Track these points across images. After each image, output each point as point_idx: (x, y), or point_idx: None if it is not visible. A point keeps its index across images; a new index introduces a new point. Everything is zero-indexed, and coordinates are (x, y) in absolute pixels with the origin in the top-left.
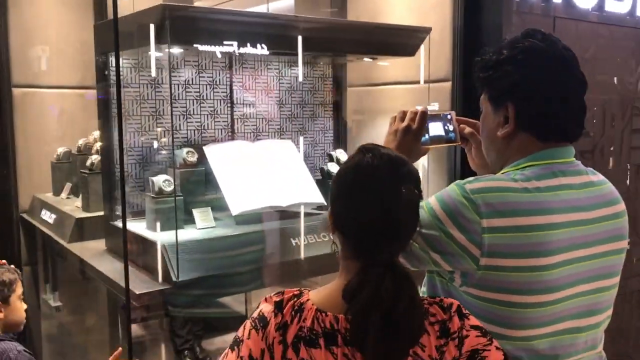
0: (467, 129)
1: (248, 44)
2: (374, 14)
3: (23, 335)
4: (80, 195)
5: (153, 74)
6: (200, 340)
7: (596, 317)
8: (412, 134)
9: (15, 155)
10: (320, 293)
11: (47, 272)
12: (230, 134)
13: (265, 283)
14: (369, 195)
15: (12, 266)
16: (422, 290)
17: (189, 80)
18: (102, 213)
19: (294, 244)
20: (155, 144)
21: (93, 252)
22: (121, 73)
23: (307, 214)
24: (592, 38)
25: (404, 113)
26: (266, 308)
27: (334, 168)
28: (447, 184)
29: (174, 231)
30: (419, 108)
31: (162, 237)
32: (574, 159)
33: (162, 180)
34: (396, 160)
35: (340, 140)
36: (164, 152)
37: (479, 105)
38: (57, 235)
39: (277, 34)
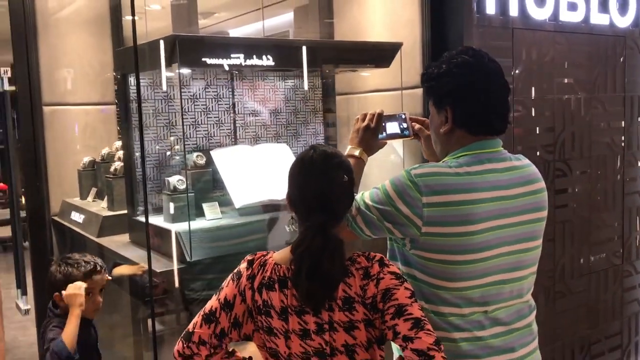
0: (417, 126)
1: (248, 61)
2: (357, 29)
3: None
4: (105, 197)
5: (164, 88)
6: None
7: (519, 272)
8: (370, 131)
9: (46, 165)
10: (281, 253)
11: None
12: (233, 139)
13: None
14: (308, 179)
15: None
16: (388, 256)
17: (197, 95)
18: (125, 211)
19: (287, 230)
20: (168, 152)
21: (119, 243)
22: (134, 91)
23: None
24: (549, 45)
25: (365, 115)
26: (242, 265)
27: None
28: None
29: (187, 222)
30: (377, 110)
31: (176, 227)
32: (501, 148)
33: (176, 180)
34: (329, 154)
35: (329, 142)
36: (176, 157)
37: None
38: (87, 232)
39: (272, 53)
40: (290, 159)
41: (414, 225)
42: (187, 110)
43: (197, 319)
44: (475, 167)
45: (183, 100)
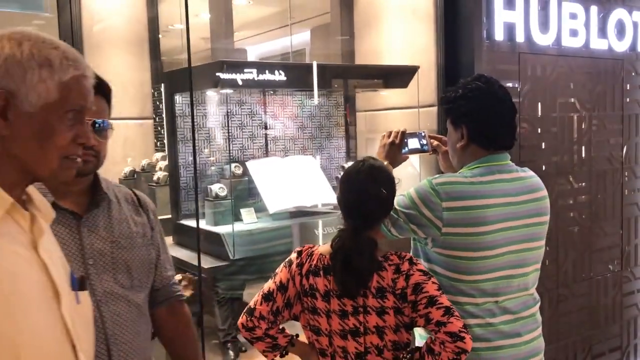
0: (435, 142)
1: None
2: (375, 51)
3: None
4: None
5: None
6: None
7: (524, 268)
8: (395, 146)
9: None
10: (325, 246)
11: None
12: (264, 152)
13: None
14: (350, 189)
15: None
16: (411, 254)
17: (232, 111)
18: (166, 216)
19: (316, 233)
20: (211, 162)
21: None
22: (180, 108)
23: (324, 212)
24: (553, 67)
25: (390, 132)
26: (292, 255)
27: None
28: None
29: (227, 225)
30: (400, 129)
31: (219, 230)
32: (509, 161)
33: (217, 188)
34: (373, 169)
35: (350, 154)
36: (213, 167)
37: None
38: None
39: (301, 75)
40: (317, 169)
41: (435, 226)
42: (223, 125)
43: (257, 297)
44: (487, 177)
45: (220, 117)
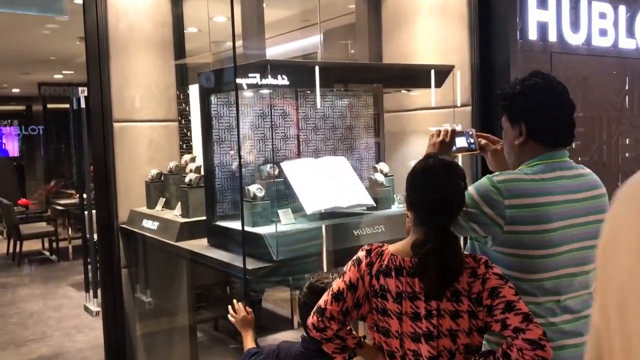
0: (483, 141)
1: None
2: (405, 52)
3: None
4: (179, 206)
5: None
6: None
7: (586, 266)
8: (445, 145)
9: (115, 177)
10: (395, 245)
11: (146, 272)
12: (296, 153)
13: (342, 261)
14: (432, 186)
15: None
16: (465, 252)
17: (265, 113)
18: (200, 218)
19: (355, 234)
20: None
21: (199, 247)
22: (215, 109)
23: (359, 213)
24: (583, 67)
25: (439, 131)
26: (361, 253)
27: (380, 177)
28: (473, 180)
29: (266, 226)
30: (449, 127)
31: (259, 231)
32: (568, 158)
33: (255, 188)
34: (449, 163)
35: (380, 155)
36: (248, 168)
37: (500, 123)
38: (164, 238)
39: (335, 75)
40: (349, 170)
41: (497, 224)
42: (257, 126)
43: (327, 297)
44: (548, 174)
45: (254, 117)
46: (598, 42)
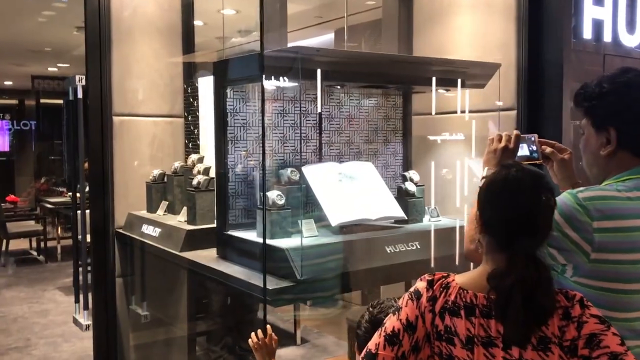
0: (548, 149)
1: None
2: (439, 49)
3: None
4: (185, 211)
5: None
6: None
7: None
8: (509, 152)
9: (113, 176)
10: (464, 276)
11: (143, 283)
12: (318, 156)
13: (373, 281)
14: (516, 201)
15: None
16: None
17: (286, 110)
18: (208, 226)
19: (387, 251)
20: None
21: (207, 258)
22: (231, 103)
23: (389, 227)
24: None
25: (500, 135)
26: (420, 285)
27: (411, 187)
28: None
29: (285, 239)
30: (514, 131)
31: (279, 244)
32: None
33: (275, 195)
34: (536, 174)
35: (408, 162)
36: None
37: (581, 128)
38: (166, 246)
39: (365, 71)
40: (377, 178)
41: (582, 251)
42: (276, 125)
43: (378, 339)
44: None
45: (273, 115)
46: None
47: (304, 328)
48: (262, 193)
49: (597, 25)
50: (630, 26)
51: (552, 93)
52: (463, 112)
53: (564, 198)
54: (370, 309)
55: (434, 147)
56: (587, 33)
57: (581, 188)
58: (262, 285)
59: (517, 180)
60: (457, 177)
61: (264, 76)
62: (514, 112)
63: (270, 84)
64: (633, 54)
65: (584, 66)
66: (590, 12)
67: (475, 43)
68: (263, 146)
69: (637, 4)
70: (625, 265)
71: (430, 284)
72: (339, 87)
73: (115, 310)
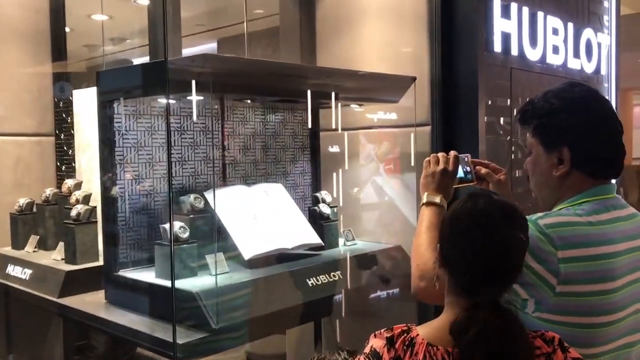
0: (483, 170)
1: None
2: (345, 62)
3: None
4: (61, 247)
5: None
6: None
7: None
8: (449, 175)
9: None
10: (429, 327)
11: (8, 334)
12: (221, 178)
13: (295, 321)
14: (484, 239)
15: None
16: None
17: (183, 127)
18: (92, 264)
19: (310, 284)
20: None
21: (95, 305)
22: (119, 121)
23: (307, 255)
24: (538, 87)
25: (436, 157)
26: (377, 343)
27: (325, 209)
28: None
29: (192, 278)
30: (451, 152)
31: (185, 285)
32: (616, 193)
33: (177, 227)
34: (508, 207)
35: (317, 181)
36: (158, 199)
37: (527, 147)
38: (39, 292)
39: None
40: (289, 201)
41: (547, 284)
42: (172, 144)
43: None
44: (604, 215)
45: (168, 132)
46: (552, 59)
47: None
48: (169, 224)
49: (506, 38)
50: (533, 40)
51: (467, 108)
52: (374, 127)
53: None
54: None
55: (344, 166)
56: (497, 46)
57: (540, 214)
58: (170, 340)
59: (486, 215)
60: (368, 197)
61: (168, 88)
62: (428, 128)
63: (170, 98)
64: (535, 68)
65: (494, 80)
66: (499, 25)
67: (386, 55)
68: (169, 168)
69: (537, 18)
70: (593, 297)
71: (391, 342)
72: (248, 101)
73: None
